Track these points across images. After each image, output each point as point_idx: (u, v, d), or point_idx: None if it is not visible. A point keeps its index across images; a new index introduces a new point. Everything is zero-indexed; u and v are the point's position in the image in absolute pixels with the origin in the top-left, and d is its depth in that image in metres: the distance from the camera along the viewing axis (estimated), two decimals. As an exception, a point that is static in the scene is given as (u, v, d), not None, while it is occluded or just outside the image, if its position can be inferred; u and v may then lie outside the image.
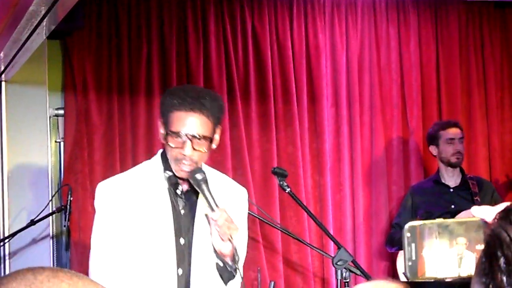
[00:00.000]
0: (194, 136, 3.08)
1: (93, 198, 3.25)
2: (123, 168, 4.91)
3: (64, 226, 5.13)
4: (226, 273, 3.14)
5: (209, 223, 3.11)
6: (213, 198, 3.06)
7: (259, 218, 5.30)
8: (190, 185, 3.16)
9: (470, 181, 5.69)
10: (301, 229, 5.98)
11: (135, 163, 4.42)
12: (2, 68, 5.04)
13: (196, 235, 3.19)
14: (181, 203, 3.21)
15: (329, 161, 6.19)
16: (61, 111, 5.72)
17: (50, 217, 5.28)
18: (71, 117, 5.70)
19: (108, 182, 3.23)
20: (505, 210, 1.06)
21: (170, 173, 3.19)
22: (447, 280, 1.24)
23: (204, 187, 3.07)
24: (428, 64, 6.46)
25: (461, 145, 5.68)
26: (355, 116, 6.25)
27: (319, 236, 6.06)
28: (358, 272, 3.79)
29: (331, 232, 5.97)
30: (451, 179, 5.72)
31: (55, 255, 5.64)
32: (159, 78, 5.83)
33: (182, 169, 3.12)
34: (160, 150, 3.28)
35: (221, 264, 3.12)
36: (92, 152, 5.66)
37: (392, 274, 5.95)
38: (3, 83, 5.56)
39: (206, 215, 3.10)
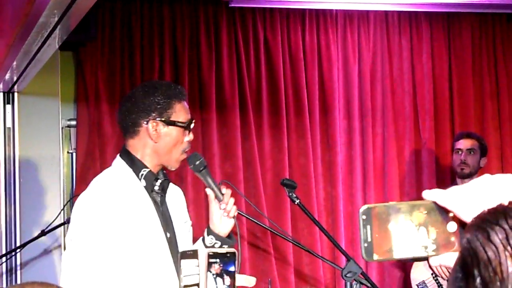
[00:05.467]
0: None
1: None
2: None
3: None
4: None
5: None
6: (213, 179, 3.09)
7: (270, 230, 5.28)
8: (164, 175, 3.18)
9: None
10: (313, 241, 5.96)
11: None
12: (15, 79, 5.05)
13: (176, 226, 3.18)
14: (158, 198, 3.14)
15: (341, 173, 6.17)
16: (74, 122, 5.74)
17: (61, 227, 5.28)
18: (83, 128, 5.71)
19: (88, 195, 3.02)
20: (480, 218, 1.05)
21: (147, 169, 3.10)
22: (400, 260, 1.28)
23: (205, 170, 3.09)
24: (440, 75, 6.43)
25: (470, 157, 5.59)
26: (367, 128, 6.24)
27: (331, 248, 6.03)
28: (368, 284, 3.76)
29: (343, 243, 5.95)
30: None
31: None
32: (171, 89, 5.82)
33: (182, 159, 3.15)
34: (118, 155, 3.16)
35: (219, 244, 3.10)
36: (104, 163, 5.64)
37: (405, 286, 5.92)
38: (15, 94, 5.58)
39: (208, 195, 3.09)
